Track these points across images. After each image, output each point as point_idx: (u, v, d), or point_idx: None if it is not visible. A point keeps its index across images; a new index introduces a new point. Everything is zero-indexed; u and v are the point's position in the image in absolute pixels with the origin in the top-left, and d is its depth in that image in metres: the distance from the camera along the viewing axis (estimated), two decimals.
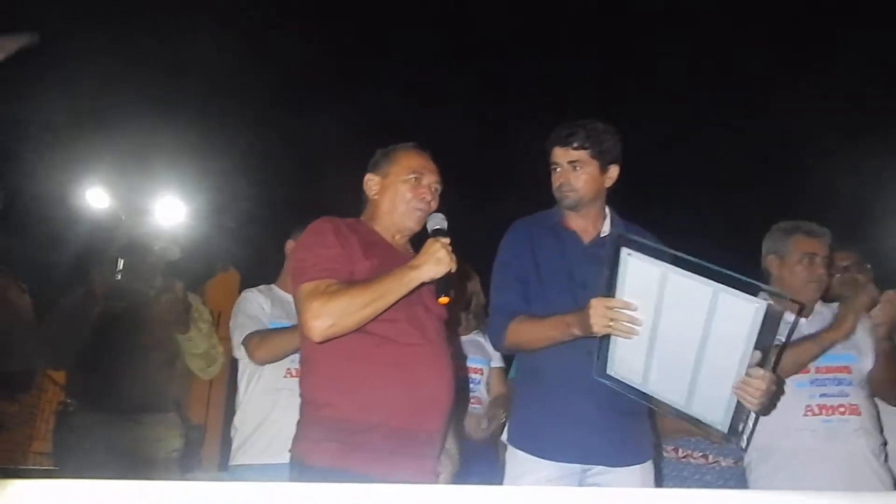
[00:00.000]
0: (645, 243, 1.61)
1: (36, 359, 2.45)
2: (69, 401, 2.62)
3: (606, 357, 1.77)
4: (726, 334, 1.52)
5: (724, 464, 2.70)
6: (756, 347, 1.51)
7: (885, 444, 2.20)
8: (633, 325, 1.66)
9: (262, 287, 2.68)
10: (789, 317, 2.19)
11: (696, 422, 1.70)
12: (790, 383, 2.16)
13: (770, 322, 1.46)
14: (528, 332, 1.95)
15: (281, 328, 2.48)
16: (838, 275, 2.59)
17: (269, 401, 2.46)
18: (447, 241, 1.69)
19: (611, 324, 1.69)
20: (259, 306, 2.57)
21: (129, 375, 2.64)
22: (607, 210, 2.12)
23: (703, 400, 1.65)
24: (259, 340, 2.44)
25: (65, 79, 5.14)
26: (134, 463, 2.46)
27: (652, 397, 1.75)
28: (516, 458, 1.97)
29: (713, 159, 6.22)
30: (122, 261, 2.86)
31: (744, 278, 1.45)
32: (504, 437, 2.16)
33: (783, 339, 1.95)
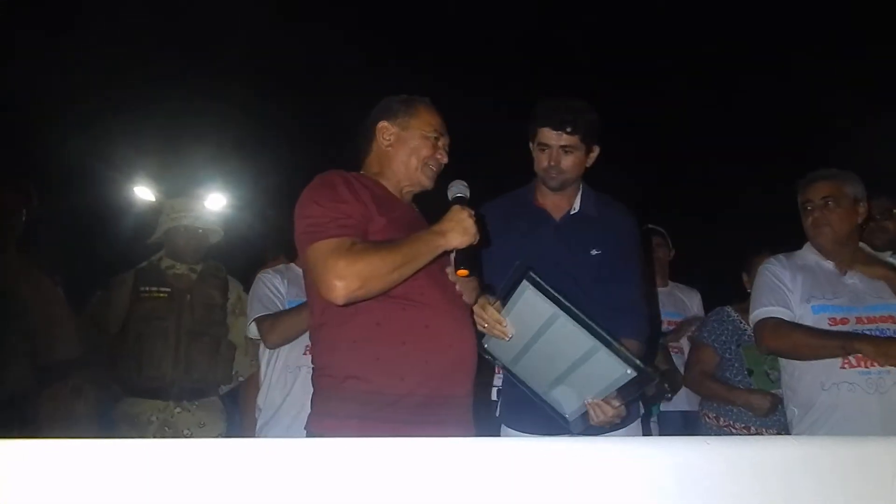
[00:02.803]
0: (547, 289, 1.61)
1: (71, 350, 2.47)
2: (113, 389, 2.68)
3: (486, 340, 1.81)
4: (592, 376, 1.65)
5: (766, 434, 2.62)
6: (616, 395, 1.65)
7: None
8: (500, 336, 1.71)
9: (280, 266, 2.66)
10: (829, 266, 2.20)
11: (547, 406, 1.81)
12: None
13: (631, 387, 1.61)
14: None
15: (290, 308, 2.46)
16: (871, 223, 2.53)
17: (290, 378, 2.46)
18: (472, 211, 1.61)
19: (484, 327, 1.73)
20: (273, 288, 2.54)
21: (173, 362, 2.67)
22: (581, 186, 2.15)
23: (558, 396, 1.77)
24: (271, 324, 2.42)
25: (108, 76, 5.34)
26: None
27: (516, 375, 1.83)
28: (509, 437, 1.99)
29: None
30: (165, 245, 2.90)
31: (623, 351, 1.58)
32: (497, 413, 2.15)
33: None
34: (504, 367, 1.87)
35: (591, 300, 1.92)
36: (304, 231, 1.59)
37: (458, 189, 1.70)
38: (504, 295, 1.69)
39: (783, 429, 2.37)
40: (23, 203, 2.48)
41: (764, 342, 2.19)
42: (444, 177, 1.81)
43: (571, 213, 2.13)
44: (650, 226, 3.60)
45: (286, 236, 1.86)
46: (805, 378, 2.14)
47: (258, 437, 2.47)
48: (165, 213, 2.94)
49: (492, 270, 1.96)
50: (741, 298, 2.88)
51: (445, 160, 1.79)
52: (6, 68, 4.75)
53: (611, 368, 1.60)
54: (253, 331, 2.51)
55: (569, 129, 2.02)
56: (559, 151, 2.05)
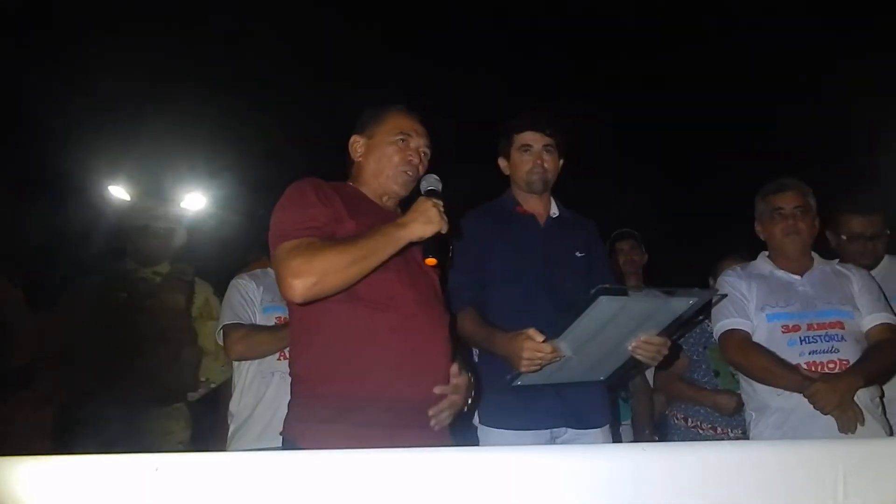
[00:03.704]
0: (620, 289, 1.84)
1: (30, 354, 2.44)
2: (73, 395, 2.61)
3: (517, 378, 1.87)
4: (652, 325, 1.83)
5: (732, 435, 2.71)
6: (664, 331, 1.86)
7: (881, 396, 2.21)
8: (555, 359, 1.80)
9: (257, 271, 2.59)
10: (782, 274, 2.31)
11: (571, 386, 1.97)
12: (782, 341, 2.19)
13: (689, 312, 1.83)
14: (466, 333, 2.01)
15: (269, 327, 2.42)
16: (859, 244, 2.67)
17: (263, 384, 2.41)
18: (440, 202, 1.61)
19: (535, 366, 1.78)
20: (246, 295, 2.50)
21: (133, 368, 2.61)
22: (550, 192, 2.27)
23: (596, 368, 1.95)
24: (242, 336, 2.37)
25: (84, 73, 5.28)
26: None
27: (545, 385, 1.93)
28: (489, 436, 2.02)
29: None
30: (128, 248, 2.83)
31: (688, 290, 1.81)
32: (475, 420, 2.16)
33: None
34: (536, 386, 1.91)
35: (567, 298, 2.04)
36: (271, 236, 1.61)
37: (428, 182, 1.72)
38: (569, 324, 1.76)
39: (746, 428, 2.42)
40: None
41: (728, 355, 2.29)
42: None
43: (553, 216, 2.24)
44: (625, 229, 3.63)
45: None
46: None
47: (230, 443, 2.44)
48: (133, 213, 2.92)
49: (489, 280, 2.06)
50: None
51: (416, 162, 1.78)
52: None
53: (673, 309, 1.79)
54: (221, 338, 2.47)
55: (549, 132, 2.16)
56: (542, 151, 2.15)
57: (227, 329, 2.42)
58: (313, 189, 1.65)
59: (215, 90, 6.06)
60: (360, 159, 1.80)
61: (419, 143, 1.80)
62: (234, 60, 6.05)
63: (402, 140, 1.77)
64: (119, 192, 5.71)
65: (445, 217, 1.60)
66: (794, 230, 2.28)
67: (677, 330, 1.92)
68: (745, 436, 2.46)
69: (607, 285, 1.74)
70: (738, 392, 2.62)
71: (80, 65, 5.14)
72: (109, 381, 2.57)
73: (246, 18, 5.84)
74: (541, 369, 1.83)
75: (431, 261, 1.61)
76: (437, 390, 1.62)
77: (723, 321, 2.26)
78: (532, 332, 1.77)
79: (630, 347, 1.85)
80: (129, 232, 2.82)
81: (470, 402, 1.72)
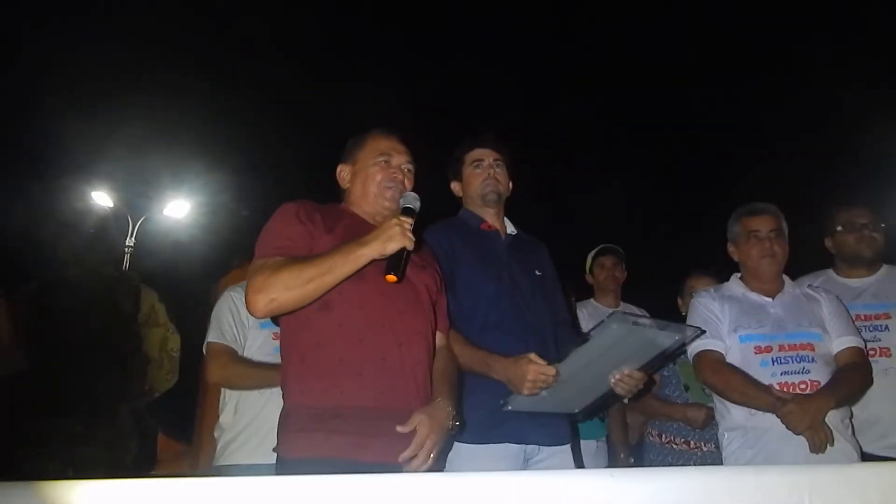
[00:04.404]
0: (636, 315, 1.93)
1: (10, 364, 2.39)
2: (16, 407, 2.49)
3: (511, 401, 1.91)
4: (637, 357, 1.90)
5: (705, 449, 2.76)
6: (645, 366, 1.94)
7: (850, 416, 2.25)
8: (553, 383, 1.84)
9: None
10: (754, 296, 2.36)
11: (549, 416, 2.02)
12: (754, 362, 2.24)
13: (674, 349, 1.94)
14: (455, 352, 1.99)
15: (260, 364, 2.38)
16: (857, 233, 2.69)
17: (261, 399, 2.37)
18: (408, 219, 1.65)
19: (538, 388, 1.83)
20: (237, 313, 2.46)
21: (76, 376, 2.49)
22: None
23: (575, 401, 2.01)
24: (226, 363, 2.36)
25: (69, 79, 5.25)
26: (84, 469, 2.30)
27: (529, 412, 1.96)
28: (461, 452, 1.98)
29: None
30: (70, 250, 2.70)
31: (684, 326, 1.96)
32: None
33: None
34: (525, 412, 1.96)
35: (539, 318, 2.14)
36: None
37: (406, 200, 1.76)
38: (572, 348, 1.82)
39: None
40: None
41: (702, 375, 2.34)
42: None
43: (510, 234, 2.32)
44: (608, 245, 3.66)
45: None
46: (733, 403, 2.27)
47: (219, 457, 2.42)
48: (68, 220, 2.81)
49: (460, 295, 2.08)
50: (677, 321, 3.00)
51: (400, 178, 1.85)
52: None
53: (660, 343, 1.87)
54: (204, 349, 2.45)
55: (498, 147, 2.32)
56: (493, 164, 2.28)
57: (212, 348, 2.40)
58: (295, 209, 1.74)
59: (201, 99, 6.05)
60: (348, 185, 1.91)
61: (400, 160, 1.89)
62: (220, 68, 6.06)
63: (385, 161, 1.87)
64: (101, 197, 5.70)
65: (411, 235, 1.62)
66: (770, 253, 2.34)
67: (658, 365, 1.99)
68: (717, 450, 2.52)
69: (623, 312, 1.79)
70: (709, 405, 2.67)
71: (67, 75, 5.13)
72: (53, 392, 2.46)
73: (233, 23, 5.84)
74: (538, 393, 1.85)
75: (392, 277, 1.63)
76: (400, 429, 1.60)
77: (697, 342, 2.28)
78: (533, 356, 1.84)
79: (612, 381, 1.92)
80: (68, 235, 2.71)
81: (453, 424, 1.70)
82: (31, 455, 2.38)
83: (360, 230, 1.72)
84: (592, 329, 1.79)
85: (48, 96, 5.20)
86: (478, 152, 2.30)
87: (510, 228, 2.33)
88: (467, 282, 2.12)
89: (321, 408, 1.59)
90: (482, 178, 2.26)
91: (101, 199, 5.18)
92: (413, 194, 1.77)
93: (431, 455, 1.60)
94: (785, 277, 2.43)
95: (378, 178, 1.84)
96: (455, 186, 2.37)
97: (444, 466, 1.76)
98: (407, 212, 1.70)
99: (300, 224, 1.69)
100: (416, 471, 1.57)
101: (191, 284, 3.07)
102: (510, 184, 2.32)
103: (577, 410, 2.05)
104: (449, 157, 2.38)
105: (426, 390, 1.71)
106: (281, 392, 1.73)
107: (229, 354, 2.40)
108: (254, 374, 2.34)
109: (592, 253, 3.59)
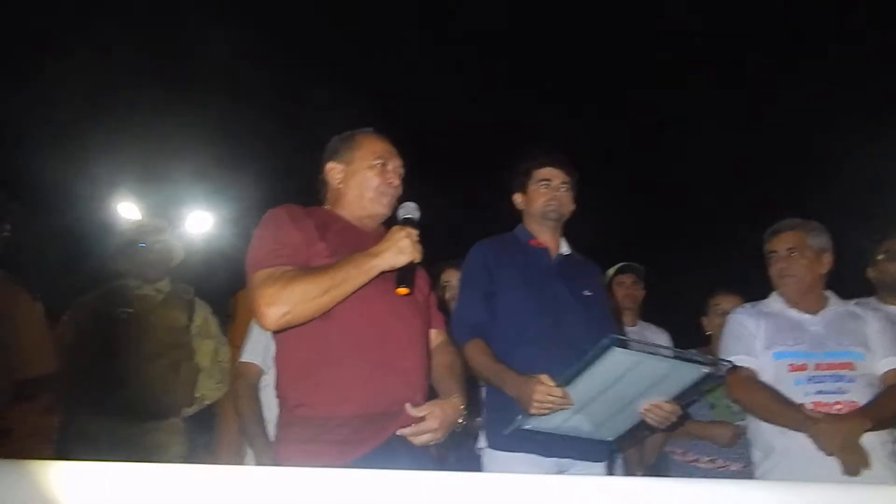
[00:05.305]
0: (635, 343, 1.81)
1: (48, 366, 2.44)
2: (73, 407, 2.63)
3: (526, 421, 1.90)
4: (664, 389, 1.88)
5: (733, 468, 2.70)
6: (675, 398, 1.91)
7: (894, 440, 2.16)
8: (563, 407, 1.83)
9: None
10: (793, 313, 2.29)
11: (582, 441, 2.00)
12: (789, 380, 2.18)
13: (702, 383, 1.88)
14: (476, 365, 2.05)
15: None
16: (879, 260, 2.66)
17: None
18: (414, 231, 1.64)
19: (547, 409, 1.82)
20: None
21: (131, 382, 2.64)
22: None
23: (606, 428, 1.98)
24: (247, 393, 2.40)
25: (95, 93, 5.35)
26: None
27: (553, 433, 1.96)
28: (497, 460, 2.04)
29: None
30: (128, 266, 2.87)
31: (703, 357, 1.88)
32: (481, 444, 2.18)
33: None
34: (538, 433, 1.94)
35: (581, 339, 2.03)
36: (247, 264, 1.64)
37: (406, 210, 1.74)
38: (577, 370, 1.79)
39: (749, 462, 2.44)
40: (4, 219, 2.47)
41: (731, 392, 2.30)
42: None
43: (564, 253, 2.32)
44: (628, 263, 3.65)
45: None
46: (765, 422, 2.21)
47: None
48: (137, 231, 2.95)
49: (499, 308, 2.11)
50: (704, 342, 3.00)
51: (396, 183, 1.84)
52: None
53: (685, 375, 1.85)
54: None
55: (568, 169, 2.32)
56: (560, 186, 2.30)
57: (243, 370, 2.46)
58: (287, 215, 1.68)
59: (223, 113, 6.15)
60: (340, 186, 1.83)
61: (395, 164, 1.85)
62: (241, 82, 6.15)
63: (382, 164, 1.82)
64: (129, 210, 5.79)
65: (419, 246, 1.61)
66: (786, 273, 2.29)
67: (688, 398, 1.96)
68: (746, 469, 2.48)
69: (620, 336, 1.76)
70: (736, 423, 2.66)
71: (99, 92, 5.23)
72: (108, 395, 2.61)
73: (253, 38, 5.94)
74: (550, 414, 1.84)
75: (403, 290, 1.62)
76: (410, 411, 1.61)
77: (729, 358, 2.22)
78: (544, 377, 1.82)
79: (641, 410, 1.90)
80: (128, 249, 2.86)
81: (461, 423, 1.70)
82: (86, 454, 2.48)
83: (351, 236, 1.73)
84: (590, 354, 1.75)
85: (79, 115, 5.30)
86: (548, 171, 2.31)
87: (564, 248, 2.34)
88: (508, 298, 2.14)
89: (324, 417, 1.56)
90: (547, 198, 2.28)
91: (128, 210, 5.27)
92: (413, 204, 1.75)
93: (428, 441, 1.61)
94: (829, 294, 2.34)
95: (375, 183, 1.79)
96: (517, 198, 2.38)
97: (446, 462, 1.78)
98: (409, 222, 1.68)
99: (296, 230, 1.65)
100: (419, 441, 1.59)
101: (210, 296, 3.11)
102: (573, 207, 2.34)
103: (610, 438, 2.02)
104: (515, 168, 2.39)
105: (425, 391, 1.70)
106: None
107: (253, 386, 2.45)
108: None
109: (611, 271, 3.57)
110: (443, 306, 2.36)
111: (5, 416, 2.29)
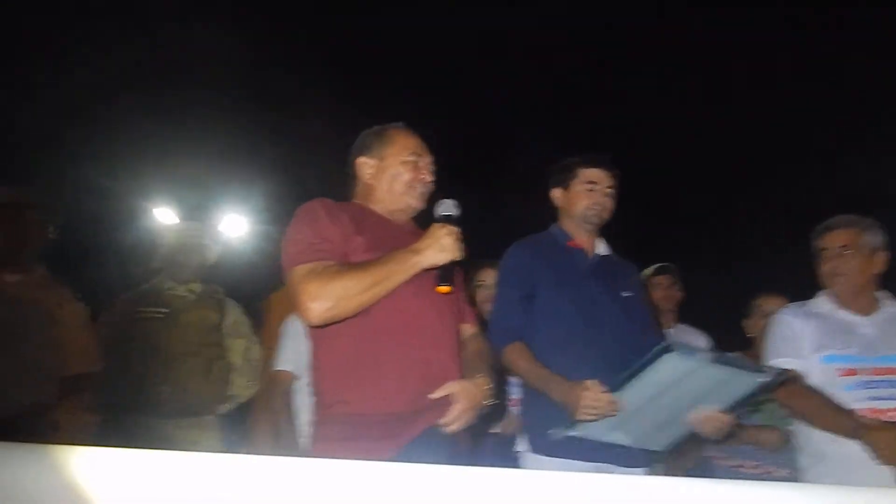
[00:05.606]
0: (691, 350, 1.80)
1: (91, 363, 2.54)
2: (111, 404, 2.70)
3: (572, 428, 1.87)
4: (716, 399, 1.84)
5: (778, 474, 2.61)
6: (730, 407, 1.88)
7: None
8: (611, 413, 1.80)
9: None
10: (844, 315, 2.19)
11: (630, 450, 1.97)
12: (839, 385, 2.07)
13: (757, 392, 1.87)
14: (518, 368, 2.04)
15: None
16: None
17: None
18: (455, 228, 1.63)
19: (594, 415, 1.80)
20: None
21: (167, 380, 2.70)
22: None
23: (656, 438, 1.96)
24: (282, 402, 2.49)
25: (134, 98, 5.48)
26: None
27: (600, 441, 1.93)
28: (541, 464, 2.00)
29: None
30: (164, 266, 2.95)
31: (752, 366, 1.87)
32: (522, 448, 2.15)
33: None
34: (586, 441, 1.92)
35: (619, 341, 2.07)
36: (284, 259, 1.64)
37: (444, 208, 1.71)
38: (628, 376, 1.76)
39: (795, 467, 2.35)
40: (50, 221, 2.55)
41: (778, 396, 2.18)
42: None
43: (601, 254, 2.27)
44: (663, 263, 3.59)
45: None
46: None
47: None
48: (174, 233, 3.02)
49: (537, 312, 2.08)
50: (745, 345, 2.91)
51: (429, 179, 1.83)
52: (35, 91, 4.92)
53: (739, 385, 1.81)
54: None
55: (615, 171, 2.25)
56: (605, 190, 2.23)
57: (277, 377, 2.52)
58: (322, 208, 1.68)
59: (256, 116, 6.24)
60: (372, 181, 1.82)
61: (427, 160, 1.85)
62: (276, 87, 6.23)
63: (414, 160, 1.81)
64: (165, 214, 5.94)
65: (461, 244, 1.61)
66: (838, 272, 2.18)
67: (742, 407, 1.90)
68: (792, 475, 2.40)
69: (668, 343, 1.72)
70: (782, 428, 2.57)
71: (137, 96, 5.36)
72: (144, 393, 2.68)
73: (286, 42, 6.00)
74: (597, 420, 1.81)
75: (445, 289, 1.61)
76: (435, 395, 1.60)
77: (774, 361, 2.15)
78: (592, 382, 1.80)
79: (692, 420, 1.85)
80: (165, 251, 2.94)
81: (487, 404, 1.69)
82: (120, 447, 2.51)
83: (387, 230, 1.73)
84: (644, 358, 1.70)
85: (118, 119, 5.43)
86: (595, 173, 2.23)
87: (601, 249, 2.28)
88: (545, 299, 2.11)
89: (362, 414, 1.56)
90: (591, 202, 2.21)
91: (164, 214, 5.38)
92: (451, 201, 1.72)
93: (461, 426, 1.59)
94: (883, 295, 2.23)
95: (407, 178, 1.78)
96: (556, 193, 2.30)
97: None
98: (448, 219, 1.67)
99: (332, 224, 1.64)
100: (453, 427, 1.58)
101: (241, 297, 3.16)
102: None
103: (659, 449, 1.97)
104: (559, 163, 2.31)
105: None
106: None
107: (287, 397, 2.51)
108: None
109: (647, 272, 3.50)
110: (473, 304, 2.34)
111: (54, 411, 2.36)
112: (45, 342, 2.36)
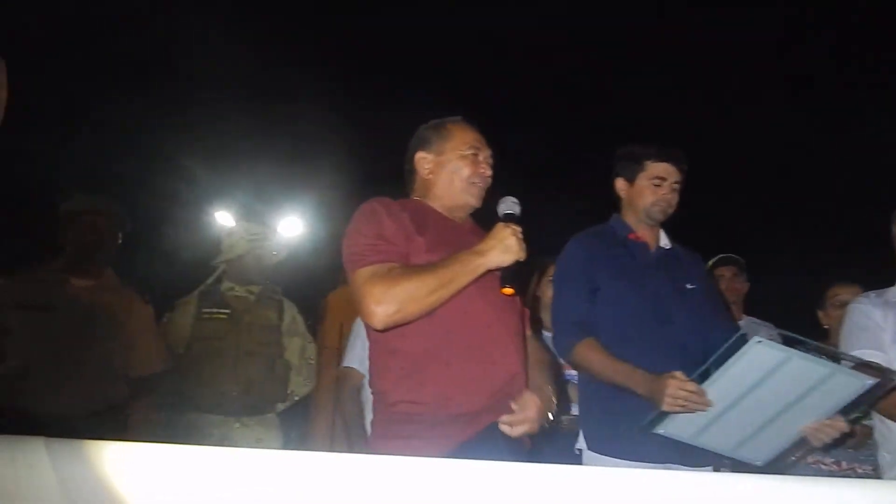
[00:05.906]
0: (788, 335, 1.70)
1: (159, 364, 2.62)
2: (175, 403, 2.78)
3: (660, 422, 1.79)
4: (820, 401, 1.70)
5: (860, 470, 2.48)
6: (841, 412, 1.74)
7: None
8: (701, 408, 1.72)
9: None
10: None
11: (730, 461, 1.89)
12: None
13: (867, 395, 1.70)
14: (594, 365, 1.98)
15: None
16: None
17: None
18: (518, 228, 1.59)
19: (681, 405, 1.71)
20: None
21: (229, 379, 2.77)
22: None
23: (754, 446, 1.82)
24: (351, 402, 2.49)
25: (194, 107, 5.66)
26: None
27: (693, 447, 1.84)
28: (599, 463, 1.95)
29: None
30: (229, 267, 3.03)
31: (863, 361, 1.72)
32: (580, 444, 2.10)
33: None
34: (679, 444, 1.86)
35: (691, 334, 2.01)
36: (347, 260, 1.62)
37: (507, 206, 1.67)
38: (713, 365, 1.69)
39: (877, 466, 2.22)
40: (119, 227, 2.65)
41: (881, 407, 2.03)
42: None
43: (664, 247, 2.21)
44: (727, 254, 3.47)
45: None
46: None
47: None
48: (238, 236, 3.07)
49: (600, 306, 2.03)
50: (818, 336, 2.75)
51: (489, 173, 1.79)
52: (102, 100, 5.14)
53: (846, 386, 1.67)
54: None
55: (683, 166, 2.17)
56: (672, 185, 2.15)
57: (345, 374, 2.54)
58: (383, 208, 1.65)
59: (311, 121, 6.36)
60: (430, 176, 1.79)
61: (486, 154, 1.80)
62: (328, 92, 6.33)
63: (473, 154, 1.77)
64: (225, 218, 6.16)
65: (524, 244, 1.57)
66: None
67: (853, 412, 1.78)
68: (874, 472, 2.27)
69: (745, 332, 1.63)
70: (863, 423, 2.40)
71: (197, 104, 5.54)
72: (208, 392, 2.76)
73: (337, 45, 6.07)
74: (685, 418, 1.74)
75: (509, 290, 1.57)
76: (515, 406, 1.57)
77: (853, 352, 2.01)
78: (678, 373, 1.74)
79: (805, 429, 1.75)
80: (241, 254, 3.02)
81: (551, 417, 1.64)
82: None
83: (447, 230, 1.70)
84: (727, 348, 1.62)
85: (178, 126, 5.62)
86: (664, 168, 2.15)
87: (664, 242, 2.22)
88: (607, 293, 2.06)
89: (426, 414, 1.54)
90: (657, 197, 2.14)
91: (225, 218, 5.55)
92: (512, 198, 1.68)
93: (524, 432, 1.55)
94: None
95: (466, 173, 1.74)
96: (620, 184, 2.23)
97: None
98: (510, 218, 1.63)
99: (393, 225, 1.61)
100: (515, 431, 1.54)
101: (302, 300, 3.22)
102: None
103: (760, 463, 1.84)
104: (625, 152, 2.23)
105: (523, 386, 1.64)
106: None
107: (355, 396, 2.52)
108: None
109: (709, 263, 3.38)
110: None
111: (124, 411, 2.46)
112: (115, 345, 2.46)
